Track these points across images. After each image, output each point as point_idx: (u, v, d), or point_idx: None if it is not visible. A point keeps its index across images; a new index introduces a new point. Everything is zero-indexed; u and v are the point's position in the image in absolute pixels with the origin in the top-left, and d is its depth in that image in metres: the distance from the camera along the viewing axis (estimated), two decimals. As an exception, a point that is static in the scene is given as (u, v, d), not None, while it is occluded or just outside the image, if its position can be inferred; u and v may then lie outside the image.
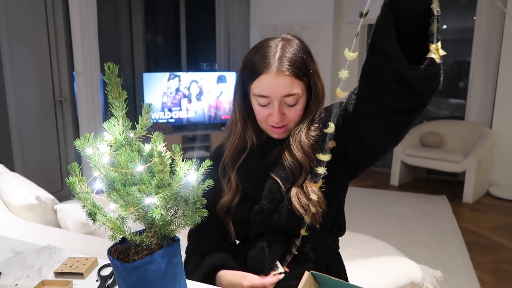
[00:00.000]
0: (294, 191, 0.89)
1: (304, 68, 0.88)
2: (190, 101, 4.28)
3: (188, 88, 4.24)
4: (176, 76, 4.18)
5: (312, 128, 0.93)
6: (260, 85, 0.88)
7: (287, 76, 0.86)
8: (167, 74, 4.15)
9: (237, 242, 1.05)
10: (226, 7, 4.73)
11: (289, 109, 0.90)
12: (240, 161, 0.97)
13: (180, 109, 4.25)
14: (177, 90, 4.20)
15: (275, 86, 0.87)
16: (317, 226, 0.88)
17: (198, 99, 4.30)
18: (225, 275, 0.92)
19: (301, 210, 0.87)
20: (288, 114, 0.91)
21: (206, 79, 4.29)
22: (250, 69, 0.90)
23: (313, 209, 0.86)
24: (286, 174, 0.92)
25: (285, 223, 0.91)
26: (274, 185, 0.91)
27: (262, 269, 0.90)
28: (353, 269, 1.11)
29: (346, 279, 0.99)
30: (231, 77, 4.35)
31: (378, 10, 0.59)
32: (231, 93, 1.03)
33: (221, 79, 4.33)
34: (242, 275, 0.90)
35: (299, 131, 0.93)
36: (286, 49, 0.88)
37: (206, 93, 4.30)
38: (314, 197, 0.85)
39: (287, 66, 0.86)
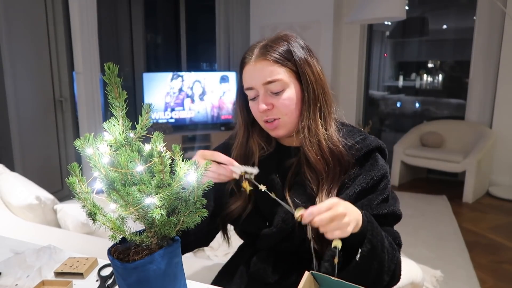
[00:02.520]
0: (313, 229, 0.78)
1: (288, 53, 0.84)
2: (193, 101, 4.28)
3: (191, 88, 4.25)
4: (179, 76, 4.18)
5: (334, 130, 0.87)
6: (245, 77, 0.87)
7: (266, 61, 0.83)
8: (167, 74, 4.15)
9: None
10: (226, 7, 4.73)
11: (276, 99, 0.84)
12: None
13: (183, 109, 4.25)
14: (180, 90, 4.20)
15: (255, 74, 0.85)
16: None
17: (201, 99, 4.30)
18: None
19: (318, 248, 0.80)
20: (277, 105, 0.85)
21: (209, 79, 4.29)
22: (239, 65, 0.89)
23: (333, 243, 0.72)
24: (303, 199, 0.84)
25: (295, 249, 0.87)
26: (289, 214, 0.82)
27: (265, 277, 0.89)
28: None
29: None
30: (233, 77, 4.36)
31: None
32: (234, 93, 1.02)
33: (224, 79, 4.33)
34: None
35: (310, 128, 0.85)
36: (271, 38, 0.87)
37: (209, 93, 4.31)
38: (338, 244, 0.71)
39: (266, 52, 0.84)
